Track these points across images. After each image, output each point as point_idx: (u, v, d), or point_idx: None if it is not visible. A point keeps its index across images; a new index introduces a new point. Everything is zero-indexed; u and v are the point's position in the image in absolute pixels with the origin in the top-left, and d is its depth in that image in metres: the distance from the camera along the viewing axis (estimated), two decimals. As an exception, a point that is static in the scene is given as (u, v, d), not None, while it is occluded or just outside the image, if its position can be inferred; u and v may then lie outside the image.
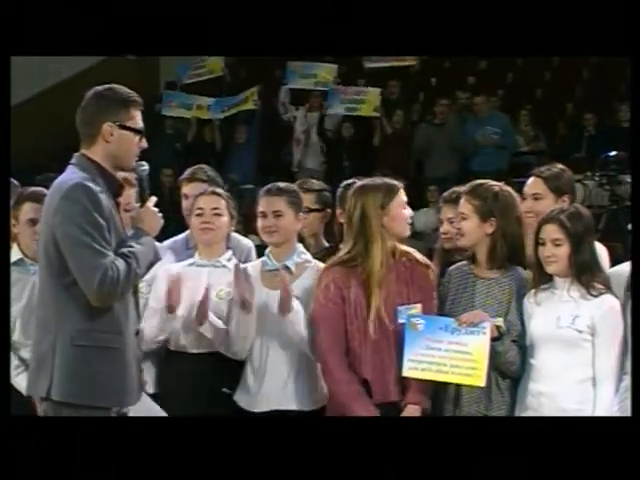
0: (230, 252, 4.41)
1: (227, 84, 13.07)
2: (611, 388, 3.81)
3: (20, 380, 4.07)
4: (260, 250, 4.48)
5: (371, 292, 3.96)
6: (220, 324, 4.15)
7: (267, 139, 12.39)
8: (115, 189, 3.64)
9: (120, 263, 3.46)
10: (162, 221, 3.73)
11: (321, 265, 4.17)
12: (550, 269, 3.90)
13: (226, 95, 12.54)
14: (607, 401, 3.80)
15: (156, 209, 3.72)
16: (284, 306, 3.97)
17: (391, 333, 3.97)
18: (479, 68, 13.31)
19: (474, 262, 4.08)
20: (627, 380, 3.76)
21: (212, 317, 4.14)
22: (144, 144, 3.68)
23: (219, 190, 4.45)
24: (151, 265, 3.67)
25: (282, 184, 4.31)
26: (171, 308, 4.11)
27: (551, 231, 3.89)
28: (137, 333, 3.69)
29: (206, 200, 4.36)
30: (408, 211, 4.11)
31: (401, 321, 3.95)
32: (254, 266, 4.27)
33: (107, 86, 3.66)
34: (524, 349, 3.93)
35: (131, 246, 3.55)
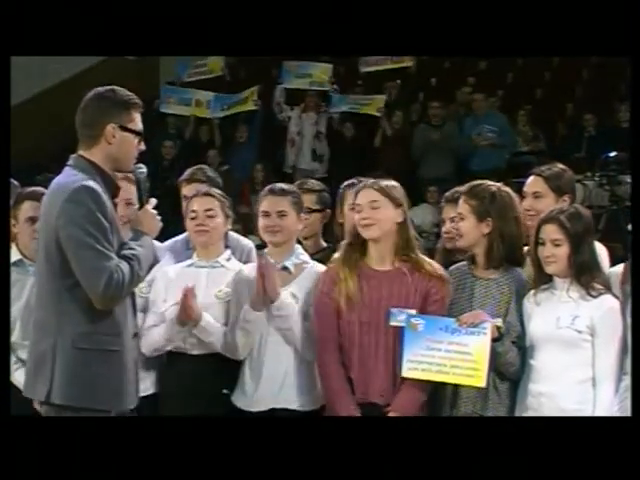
0: (229, 252, 4.40)
1: (227, 84, 13.05)
2: (611, 388, 3.81)
3: (18, 376, 4.05)
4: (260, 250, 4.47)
5: (362, 291, 3.97)
6: (217, 326, 4.15)
7: (268, 139, 12.38)
8: (113, 191, 3.63)
9: (124, 266, 3.45)
10: (161, 223, 3.73)
11: (319, 266, 4.19)
12: (550, 269, 3.90)
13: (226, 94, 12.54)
14: (607, 401, 3.80)
15: (155, 212, 3.72)
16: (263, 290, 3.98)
17: (382, 334, 3.96)
18: (479, 68, 13.30)
19: (473, 262, 4.08)
20: (627, 380, 3.76)
21: (209, 318, 4.14)
22: (143, 146, 3.67)
23: (213, 191, 4.41)
24: (151, 267, 3.67)
25: (285, 185, 4.34)
26: (183, 323, 4.12)
27: (551, 231, 3.89)
28: (135, 335, 3.69)
29: (199, 202, 4.33)
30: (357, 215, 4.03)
31: (393, 324, 3.92)
32: (252, 267, 4.24)
33: (108, 88, 3.65)
34: (523, 350, 3.93)
35: (132, 248, 3.55)
